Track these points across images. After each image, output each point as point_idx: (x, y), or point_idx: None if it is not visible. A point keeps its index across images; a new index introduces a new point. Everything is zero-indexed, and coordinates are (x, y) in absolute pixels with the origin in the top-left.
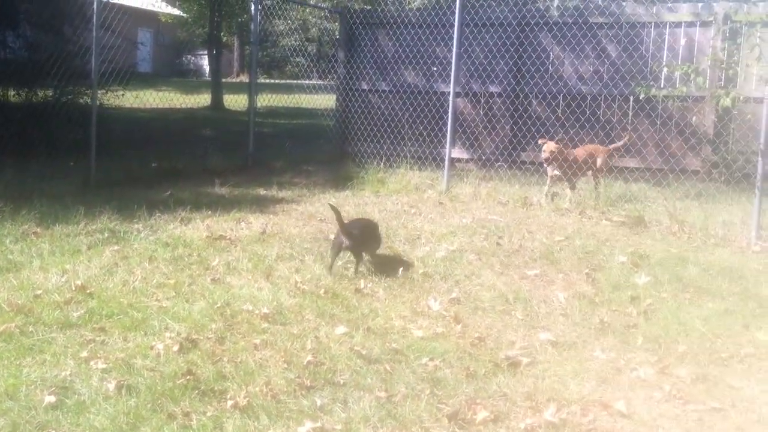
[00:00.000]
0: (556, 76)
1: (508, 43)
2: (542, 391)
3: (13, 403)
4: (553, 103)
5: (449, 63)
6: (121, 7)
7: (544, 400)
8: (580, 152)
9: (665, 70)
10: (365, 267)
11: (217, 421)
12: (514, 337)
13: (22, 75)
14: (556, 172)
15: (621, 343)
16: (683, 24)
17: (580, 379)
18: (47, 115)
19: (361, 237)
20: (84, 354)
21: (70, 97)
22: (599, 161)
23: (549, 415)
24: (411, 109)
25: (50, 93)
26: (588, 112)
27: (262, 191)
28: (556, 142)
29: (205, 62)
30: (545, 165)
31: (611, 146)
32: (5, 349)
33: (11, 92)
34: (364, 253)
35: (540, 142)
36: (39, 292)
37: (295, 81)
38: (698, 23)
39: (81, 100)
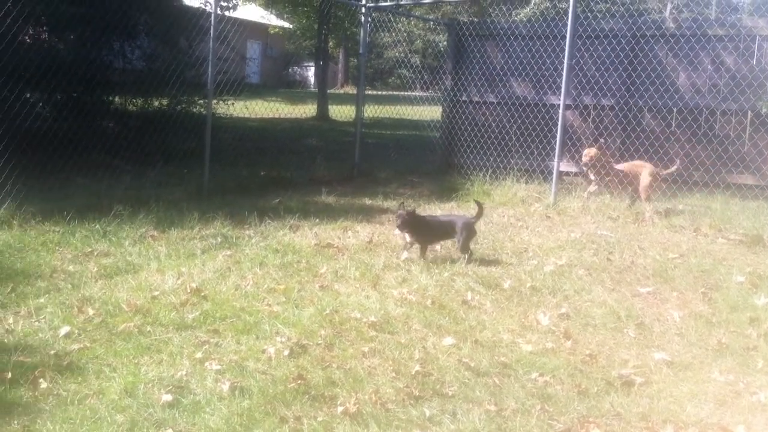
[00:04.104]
0: (671, 90)
1: (621, 55)
2: (658, 412)
3: (131, 400)
4: (668, 117)
5: (560, 75)
6: (235, 20)
7: (660, 421)
8: (625, 166)
9: None
10: (473, 280)
11: (327, 426)
12: (627, 356)
13: (139, 85)
14: (593, 178)
15: (740, 365)
16: None
17: (698, 401)
18: (162, 124)
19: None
20: (199, 355)
21: (184, 106)
22: (644, 181)
23: None
24: (519, 121)
25: (165, 102)
26: (704, 127)
27: (368, 201)
28: (597, 148)
29: (310, 73)
30: (585, 169)
31: (662, 171)
32: (124, 347)
33: (128, 101)
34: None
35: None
36: (156, 293)
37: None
38: None
39: (194, 110)
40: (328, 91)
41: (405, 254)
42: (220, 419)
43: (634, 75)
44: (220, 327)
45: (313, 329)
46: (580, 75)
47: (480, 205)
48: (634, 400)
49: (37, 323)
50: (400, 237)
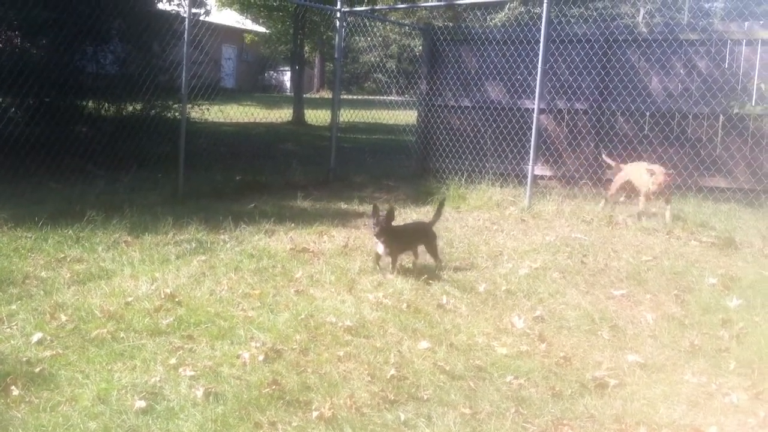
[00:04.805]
0: (644, 94)
1: (595, 59)
2: (631, 414)
3: (104, 407)
4: (641, 121)
5: (534, 79)
6: (210, 24)
7: (633, 423)
8: (628, 168)
9: (762, 87)
10: (448, 284)
11: (302, 431)
12: (601, 358)
13: (113, 90)
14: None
15: (712, 367)
16: None
17: (671, 402)
18: (136, 129)
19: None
20: (173, 361)
21: (158, 111)
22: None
23: None
24: (494, 125)
25: (139, 107)
26: (677, 130)
27: (343, 205)
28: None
29: (286, 78)
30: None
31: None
32: (97, 354)
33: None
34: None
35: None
36: (130, 299)
37: (376, 97)
38: None
39: (168, 114)
40: (304, 95)
41: (390, 275)
42: (194, 425)
43: (607, 79)
44: (194, 332)
45: (288, 334)
46: (554, 79)
47: (440, 207)
48: (607, 402)
49: (8, 330)
50: (376, 245)
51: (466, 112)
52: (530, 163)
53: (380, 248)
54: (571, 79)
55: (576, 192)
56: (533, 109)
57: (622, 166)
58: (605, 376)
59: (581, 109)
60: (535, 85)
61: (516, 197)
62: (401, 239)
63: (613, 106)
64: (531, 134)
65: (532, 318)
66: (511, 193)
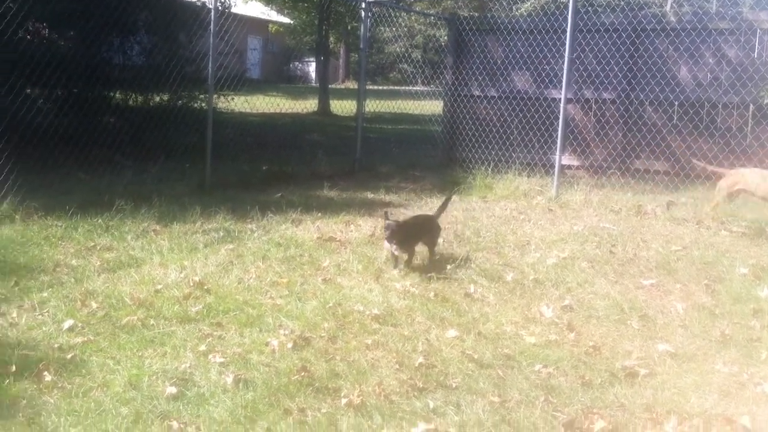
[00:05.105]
0: (672, 83)
1: (622, 48)
2: (662, 403)
3: (136, 392)
4: (670, 111)
5: (561, 69)
6: (235, 15)
7: (664, 412)
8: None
9: None
10: (475, 273)
11: (331, 418)
12: (631, 347)
13: (140, 81)
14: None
15: (743, 356)
16: None
17: (702, 392)
18: (163, 120)
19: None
20: (202, 348)
21: (184, 101)
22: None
23: (670, 428)
24: (520, 115)
25: (166, 98)
26: (706, 120)
27: (369, 195)
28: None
29: (311, 69)
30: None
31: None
32: (128, 340)
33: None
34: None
35: None
36: (159, 287)
37: (401, 87)
38: None
39: (195, 105)
40: (329, 86)
41: (396, 271)
42: (225, 411)
43: (635, 69)
44: (223, 320)
45: (316, 322)
46: (581, 69)
47: (446, 200)
48: (638, 391)
49: (40, 317)
50: (388, 250)
51: (493, 102)
52: (557, 152)
53: (394, 249)
54: (598, 68)
55: (604, 182)
56: (560, 98)
57: (725, 171)
58: (635, 365)
59: (609, 99)
60: (562, 75)
61: (543, 187)
62: (410, 235)
63: (642, 96)
64: (558, 124)
65: (561, 307)
66: (538, 183)
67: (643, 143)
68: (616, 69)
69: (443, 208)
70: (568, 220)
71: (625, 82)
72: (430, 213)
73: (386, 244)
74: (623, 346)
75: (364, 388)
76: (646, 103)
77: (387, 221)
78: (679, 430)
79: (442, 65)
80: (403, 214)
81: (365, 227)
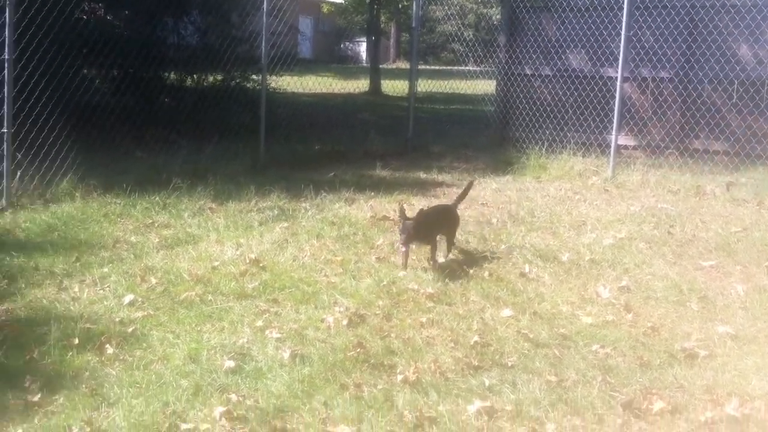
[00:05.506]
0: (732, 61)
1: (681, 26)
2: (722, 385)
3: (195, 366)
4: (729, 89)
5: (617, 47)
6: None
7: (724, 394)
8: None
9: None
10: (530, 253)
11: (387, 394)
12: (690, 329)
13: (194, 61)
14: None
15: None
16: None
17: (764, 374)
18: (217, 99)
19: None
20: (259, 323)
21: (238, 81)
22: None
23: (731, 409)
24: (575, 94)
25: (220, 78)
26: (767, 99)
27: (422, 174)
28: None
29: (362, 49)
30: None
31: None
32: (187, 315)
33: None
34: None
35: None
36: (216, 263)
37: (453, 67)
38: None
39: (248, 85)
40: (380, 66)
41: (403, 273)
42: (282, 385)
43: (694, 46)
44: (279, 297)
45: (370, 300)
46: (638, 47)
47: (467, 187)
48: (697, 372)
49: (101, 292)
50: (402, 254)
51: (547, 80)
52: (614, 132)
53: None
54: (656, 46)
55: (661, 162)
56: (616, 77)
57: None
58: (695, 346)
59: (666, 77)
60: (619, 53)
61: (598, 167)
62: (429, 228)
63: (701, 74)
64: (614, 103)
65: (618, 288)
66: (594, 163)
67: (702, 123)
68: (674, 47)
69: (463, 196)
70: (625, 200)
71: (683, 60)
72: (448, 203)
73: (401, 248)
74: (682, 328)
75: (419, 365)
76: (705, 82)
77: (403, 223)
78: (741, 411)
79: (495, 44)
80: (413, 207)
81: (418, 206)
